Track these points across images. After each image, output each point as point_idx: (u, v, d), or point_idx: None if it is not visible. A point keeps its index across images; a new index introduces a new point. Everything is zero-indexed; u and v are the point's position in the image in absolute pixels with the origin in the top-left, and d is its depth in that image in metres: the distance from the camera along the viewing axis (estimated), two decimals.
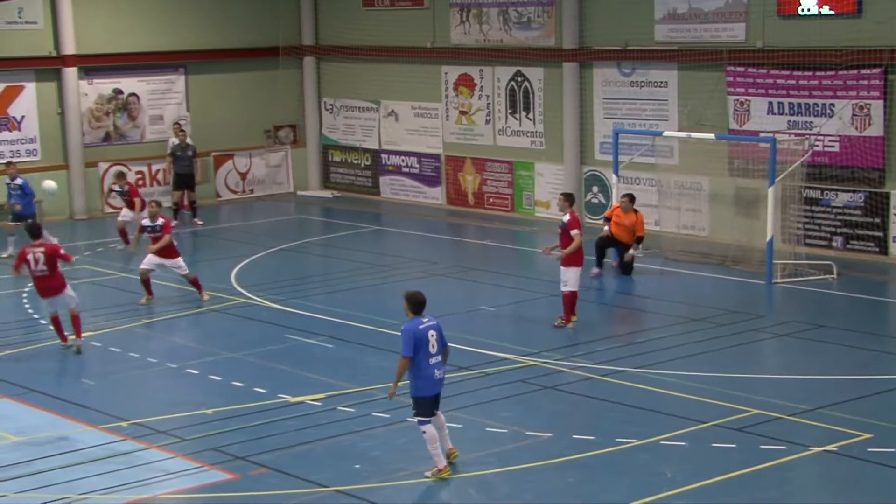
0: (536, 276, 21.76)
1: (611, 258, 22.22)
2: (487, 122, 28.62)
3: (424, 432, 12.45)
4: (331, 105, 31.92)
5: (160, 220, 20.45)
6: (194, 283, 20.26)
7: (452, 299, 20.27)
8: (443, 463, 12.47)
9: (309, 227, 28.53)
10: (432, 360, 12.35)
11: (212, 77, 30.52)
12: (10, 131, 27.82)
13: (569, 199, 18.53)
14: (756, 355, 17.20)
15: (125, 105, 29.51)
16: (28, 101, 28.01)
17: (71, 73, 28.25)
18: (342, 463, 12.89)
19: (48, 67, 28.10)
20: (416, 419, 12.54)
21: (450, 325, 18.13)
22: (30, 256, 16.95)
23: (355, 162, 31.51)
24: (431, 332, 12.39)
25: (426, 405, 12.43)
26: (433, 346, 12.36)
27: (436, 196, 29.73)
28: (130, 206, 25.05)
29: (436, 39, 29.15)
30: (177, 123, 29.21)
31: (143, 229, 20.81)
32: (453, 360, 16.35)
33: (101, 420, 14.23)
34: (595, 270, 21.58)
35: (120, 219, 25.17)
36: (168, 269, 20.25)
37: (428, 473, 12.47)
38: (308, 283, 21.67)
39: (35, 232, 17.37)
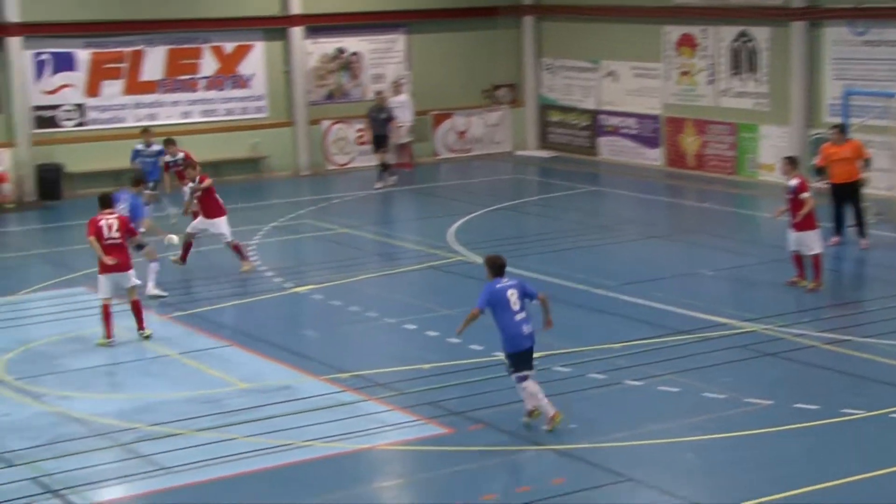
0: (758, 239, 21.24)
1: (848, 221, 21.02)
2: (710, 82, 27.99)
3: (524, 388, 12.62)
4: (549, 65, 31.81)
5: (180, 154, 21.39)
6: (236, 249, 19.31)
7: (670, 262, 20.00)
8: (552, 411, 12.58)
9: (526, 186, 28.58)
10: (517, 317, 12.53)
11: (432, 36, 30.79)
12: (240, 89, 28.75)
13: (792, 162, 18.01)
14: None
15: (348, 64, 30.09)
16: (256, 59, 28.86)
17: (297, 32, 28.98)
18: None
19: (276, 27, 28.88)
20: (513, 377, 12.68)
21: (667, 287, 18.08)
22: (102, 223, 15.75)
23: (573, 122, 31.34)
24: (511, 291, 12.60)
25: (517, 360, 12.63)
26: (515, 304, 12.57)
27: (655, 157, 29.31)
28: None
29: None
30: (395, 82, 29.62)
31: (168, 166, 21.74)
32: (670, 322, 16.27)
33: (323, 371, 14.63)
34: (834, 239, 20.72)
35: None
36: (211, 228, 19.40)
37: (525, 419, 12.71)
38: (524, 243, 21.71)
39: (107, 202, 16.19)
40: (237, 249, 19.38)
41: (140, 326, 15.96)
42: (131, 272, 15.90)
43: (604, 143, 30.50)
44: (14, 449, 12.22)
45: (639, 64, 29.45)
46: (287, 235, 22.59)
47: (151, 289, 17.74)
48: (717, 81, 27.86)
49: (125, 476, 11.61)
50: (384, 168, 27.38)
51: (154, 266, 17.84)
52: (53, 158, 26.24)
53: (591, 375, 14.32)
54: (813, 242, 17.75)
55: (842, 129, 21.23)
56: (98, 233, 15.65)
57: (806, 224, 17.64)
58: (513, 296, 12.61)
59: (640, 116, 29.56)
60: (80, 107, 26.94)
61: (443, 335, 15.99)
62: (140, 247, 17.43)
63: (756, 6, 26.69)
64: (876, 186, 23.27)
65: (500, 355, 14.58)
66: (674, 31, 28.56)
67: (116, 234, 15.71)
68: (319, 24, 29.30)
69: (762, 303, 17.26)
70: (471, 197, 26.19)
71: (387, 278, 19.40)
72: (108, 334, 15.69)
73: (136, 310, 15.95)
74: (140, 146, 22.84)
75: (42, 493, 11.18)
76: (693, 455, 12.05)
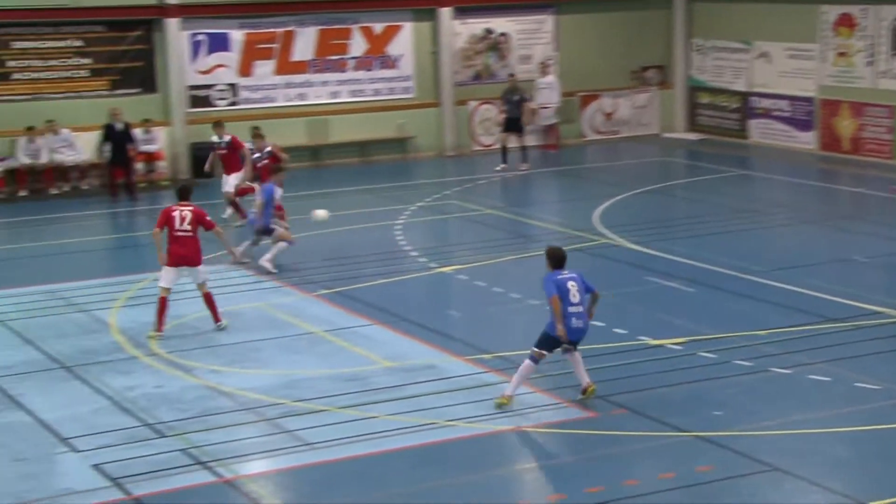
0: None
1: None
2: (868, 64, 27.16)
3: (524, 364, 12.77)
4: (700, 46, 31.27)
5: (227, 137, 21.33)
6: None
7: (821, 248, 19.53)
8: (509, 393, 12.78)
9: (673, 169, 28.19)
10: (571, 309, 12.66)
11: (581, 17, 30.56)
12: (388, 69, 28.97)
13: None
14: None
15: (496, 44, 30.06)
16: (405, 40, 29.03)
17: (446, 12, 29.05)
18: (702, 409, 12.72)
19: (425, 8, 28.98)
20: (533, 349, 12.78)
21: (818, 273, 17.64)
22: (175, 213, 15.50)
23: (723, 104, 30.77)
24: (571, 283, 12.73)
25: (550, 344, 12.75)
26: (574, 296, 12.68)
27: (807, 141, 28.58)
28: (231, 165, 21.48)
29: None
30: (542, 63, 29.51)
31: (212, 147, 21.72)
32: (821, 310, 15.88)
33: (466, 351, 14.68)
34: None
35: (226, 189, 21.73)
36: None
37: (498, 399, 12.81)
38: (671, 226, 21.43)
39: (185, 193, 15.94)
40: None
41: (216, 319, 15.66)
42: (201, 267, 15.67)
43: (754, 125, 29.88)
44: (166, 420, 12.57)
45: (793, 45, 28.75)
46: (432, 216, 22.71)
47: (266, 261, 18.23)
48: (875, 62, 27.02)
49: (270, 451, 11.83)
50: (522, 150, 27.16)
51: (283, 245, 18.22)
52: (206, 137, 26.82)
53: (736, 362, 14.06)
54: None
55: None
56: (170, 223, 15.47)
57: None
58: (573, 287, 12.76)
59: (794, 99, 28.86)
60: (232, 86, 27.50)
61: None
62: (267, 231, 18.17)
63: None
64: None
65: (652, 341, 14.46)
66: (831, 11, 27.80)
67: (188, 227, 15.42)
68: (468, 5, 29.32)
69: None
70: (617, 179, 25.94)
71: (531, 260, 19.33)
72: (160, 328, 15.36)
73: (209, 302, 15.66)
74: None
75: (192, 465, 11.46)
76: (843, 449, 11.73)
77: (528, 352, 12.94)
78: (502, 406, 12.79)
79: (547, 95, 29.40)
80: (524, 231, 21.03)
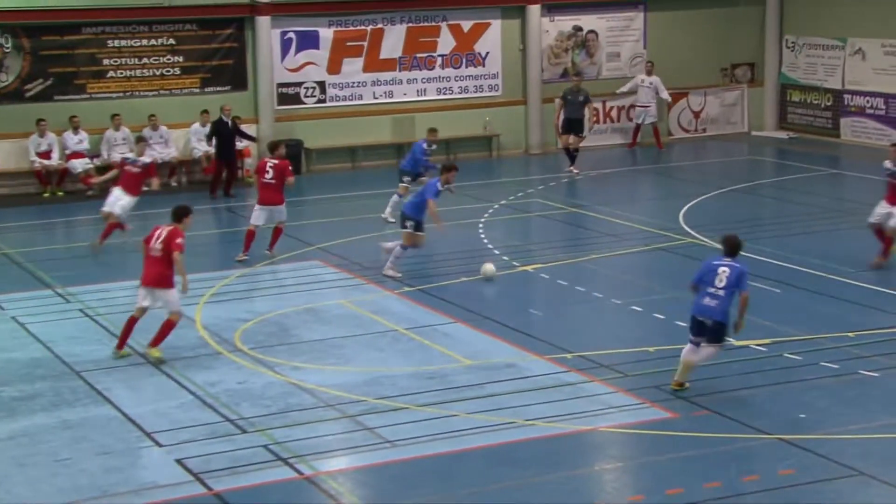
0: None
1: None
2: None
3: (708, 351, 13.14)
4: (792, 43, 30.80)
5: (146, 159, 20.08)
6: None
7: None
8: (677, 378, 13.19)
9: (762, 168, 27.83)
10: (710, 290, 13.00)
11: (670, 14, 30.27)
12: (475, 67, 28.98)
13: None
14: None
15: (584, 42, 29.92)
16: (493, 37, 29.01)
17: (535, 10, 28.97)
18: (787, 411, 12.56)
19: (514, 5, 28.93)
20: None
21: None
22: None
23: (815, 102, 30.28)
24: (724, 269, 13.05)
25: (691, 324, 13.15)
26: (720, 281, 12.97)
27: None
28: (134, 186, 19.93)
29: None
30: (647, 62, 29.28)
31: (125, 162, 20.16)
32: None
33: (547, 350, 14.64)
34: None
35: (114, 209, 19.83)
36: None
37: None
38: (758, 226, 21.16)
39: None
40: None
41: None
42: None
43: (847, 123, 29.35)
44: (248, 416, 12.71)
45: (890, 41, 28.19)
46: (516, 214, 22.68)
47: (388, 269, 18.09)
48: None
49: (350, 448, 11.91)
50: (573, 152, 26.61)
51: (398, 250, 18.15)
52: (294, 134, 27.11)
53: (823, 364, 13.86)
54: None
55: None
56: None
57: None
58: (723, 272, 13.01)
59: (889, 96, 28.30)
60: (321, 84, 27.71)
61: (669, 318, 15.75)
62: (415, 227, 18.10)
63: None
64: None
65: (737, 342, 14.31)
66: None
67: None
68: (557, 3, 29.21)
69: None
70: (704, 178, 25.67)
71: (614, 259, 19.24)
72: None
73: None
74: (424, 145, 22.21)
75: (273, 461, 11.59)
76: None
77: (635, 350, 13.01)
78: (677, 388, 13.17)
79: (647, 95, 29.20)
80: (608, 230, 20.92)
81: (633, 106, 29.65)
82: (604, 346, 14.74)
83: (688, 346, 13.16)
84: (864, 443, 11.78)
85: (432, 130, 22.76)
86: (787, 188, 24.59)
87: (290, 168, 19.20)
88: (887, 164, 18.04)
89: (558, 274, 18.17)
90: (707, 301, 12.99)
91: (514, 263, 18.70)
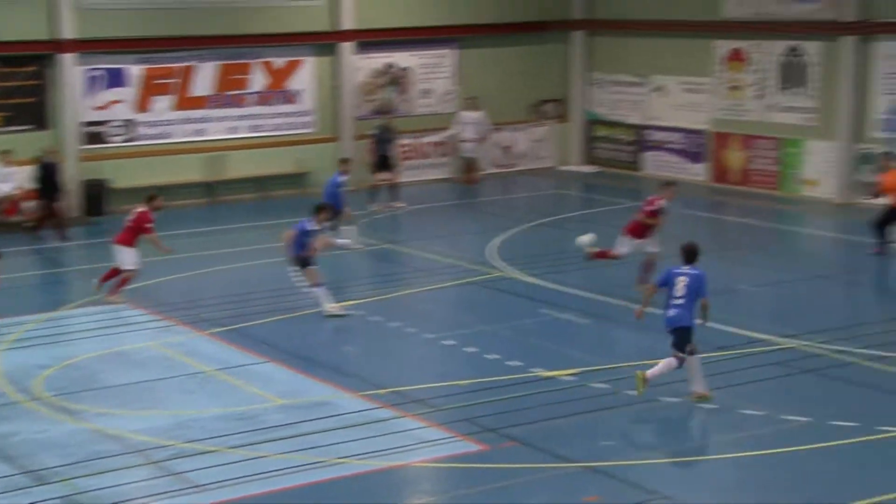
0: (800, 255, 21.07)
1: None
2: (758, 97, 27.82)
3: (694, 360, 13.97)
4: (598, 80, 31.75)
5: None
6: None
7: (711, 277, 19.67)
8: (701, 390, 13.91)
9: (569, 201, 28.52)
10: (672, 301, 13.90)
11: (481, 51, 30.83)
12: (288, 104, 28.93)
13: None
14: None
15: (397, 79, 30.20)
16: (306, 74, 29.04)
17: (347, 47, 29.11)
18: (593, 439, 12.88)
19: (326, 42, 29.02)
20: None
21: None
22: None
23: (619, 137, 31.26)
24: (682, 278, 13.94)
25: (675, 336, 13.91)
26: (679, 291, 13.88)
27: (698, 172, 29.16)
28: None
29: (707, 13, 28.52)
30: (469, 98, 29.58)
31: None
32: (709, 338, 16.13)
33: (360, 387, 14.67)
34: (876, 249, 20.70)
35: None
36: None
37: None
38: (565, 259, 21.65)
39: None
40: None
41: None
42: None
43: (648, 157, 30.38)
44: (49, 466, 12.32)
45: (688, 79, 29.34)
46: (329, 251, 22.60)
47: (329, 309, 17.90)
48: (764, 96, 27.68)
49: (157, 494, 11.67)
50: (393, 188, 27.02)
51: (318, 292, 17.97)
52: (101, 174, 26.52)
53: (627, 392, 14.25)
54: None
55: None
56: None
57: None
58: (681, 282, 13.96)
59: (687, 131, 29.44)
60: (129, 122, 27.22)
61: (481, 351, 15.99)
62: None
63: (807, 21, 26.51)
64: None
65: (545, 373, 14.61)
66: (723, 46, 28.43)
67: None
68: (370, 40, 29.42)
69: (802, 319, 17.12)
70: (513, 212, 26.18)
71: (427, 294, 19.44)
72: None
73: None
74: (339, 178, 22.94)
75: None
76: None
77: (447, 384, 13.12)
78: (703, 399, 13.80)
79: (471, 130, 29.59)
80: (420, 265, 21.12)
81: (461, 141, 29.90)
82: (416, 381, 14.86)
83: (688, 360, 13.95)
84: (667, 467, 12.17)
85: (344, 161, 23.22)
86: (594, 221, 25.22)
87: (147, 224, 18.83)
88: (662, 203, 18.61)
89: (372, 310, 18.24)
90: (671, 312, 13.92)
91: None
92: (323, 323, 17.73)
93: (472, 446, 12.74)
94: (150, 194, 19.40)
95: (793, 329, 16.53)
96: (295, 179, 28.76)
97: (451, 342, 16.56)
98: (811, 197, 26.34)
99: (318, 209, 18.42)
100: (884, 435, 12.70)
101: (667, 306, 14.03)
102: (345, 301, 18.51)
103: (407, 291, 19.52)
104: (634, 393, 14.02)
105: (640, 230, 18.65)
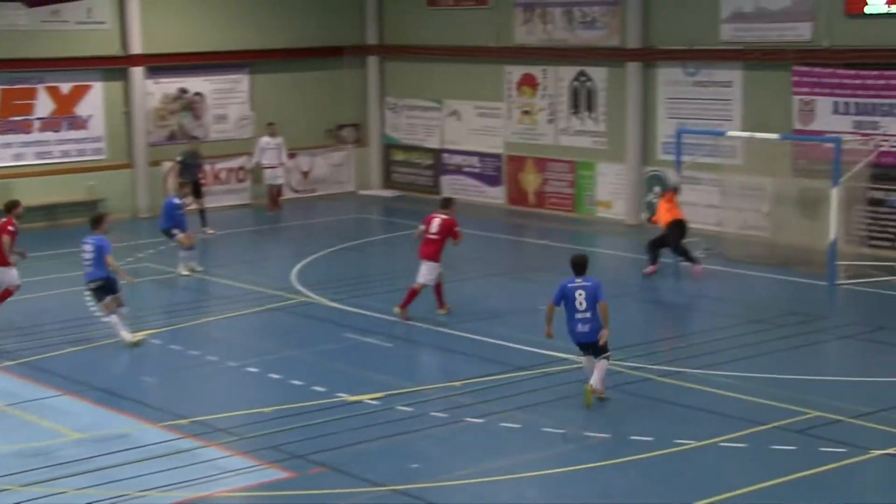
0: (596, 275, 21.53)
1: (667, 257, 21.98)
2: (550, 121, 28.53)
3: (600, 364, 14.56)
4: (393, 104, 32.00)
5: None
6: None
7: (512, 299, 20.25)
8: (600, 388, 14.51)
9: (369, 226, 28.63)
10: (577, 315, 14.36)
11: (276, 76, 30.70)
12: (77, 130, 28.17)
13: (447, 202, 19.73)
14: (817, 357, 16.99)
15: (190, 104, 29.77)
16: (95, 100, 28.34)
17: (137, 72, 28.55)
18: (399, 462, 12.91)
19: (115, 67, 28.40)
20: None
21: (508, 324, 18.28)
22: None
23: (417, 161, 31.56)
24: (580, 292, 14.36)
25: (579, 347, 14.63)
26: (581, 304, 14.32)
27: (496, 195, 29.70)
28: None
29: (499, 39, 29.13)
30: (269, 124, 29.22)
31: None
32: (512, 359, 16.46)
33: (161, 417, 14.35)
34: (649, 269, 21.51)
35: None
36: None
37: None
38: (367, 282, 21.74)
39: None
40: None
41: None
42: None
43: (446, 181, 30.77)
44: None
45: (482, 103, 29.85)
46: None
47: (124, 335, 17.48)
48: (556, 120, 28.41)
49: None
50: (202, 213, 26.50)
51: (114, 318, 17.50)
52: None
53: (432, 414, 14.36)
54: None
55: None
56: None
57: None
58: (580, 296, 14.31)
59: (483, 155, 29.94)
60: None
61: (285, 377, 15.86)
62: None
63: (593, 47, 27.34)
64: (706, 222, 24.16)
65: (350, 397, 14.62)
66: (515, 71, 29.05)
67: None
68: (161, 65, 28.92)
69: None
70: (314, 238, 26.09)
71: (228, 321, 19.18)
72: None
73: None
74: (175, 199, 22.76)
75: None
76: (533, 491, 12.14)
77: (251, 412, 12.86)
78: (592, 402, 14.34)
79: (272, 156, 29.26)
80: (221, 292, 20.81)
81: (263, 167, 29.49)
82: (219, 410, 14.62)
83: (584, 360, 14.69)
84: (473, 487, 12.28)
85: (181, 185, 23.24)
86: (394, 245, 25.41)
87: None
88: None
89: (172, 339, 17.88)
90: (580, 328, 14.36)
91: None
92: (120, 353, 17.28)
93: (279, 474, 12.60)
94: (11, 201, 19.37)
95: None
96: (88, 207, 27.86)
97: (255, 369, 16.38)
98: (605, 218, 27.14)
99: (96, 219, 17.97)
100: (679, 448, 13.14)
101: (571, 321, 14.38)
102: (143, 330, 18.08)
103: (208, 319, 19.22)
104: (443, 415, 14.13)
105: (435, 251, 18.82)
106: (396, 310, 18.69)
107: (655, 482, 12.33)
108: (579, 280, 14.50)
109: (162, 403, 14.92)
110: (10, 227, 18.74)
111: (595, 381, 14.48)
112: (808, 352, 16.96)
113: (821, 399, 14.59)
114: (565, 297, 14.45)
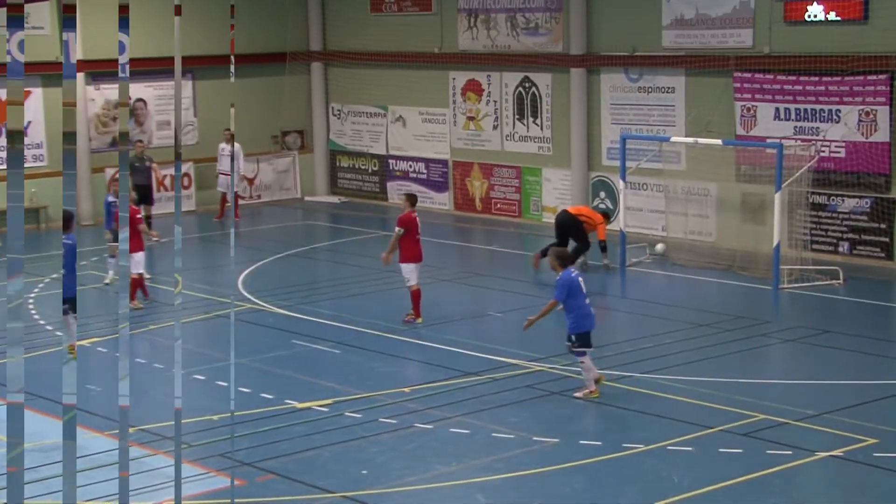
0: (543, 280, 21.68)
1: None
2: (495, 127, 28.62)
3: (582, 362, 14.86)
4: (338, 111, 31.96)
5: None
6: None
7: (460, 305, 20.28)
8: (593, 386, 14.83)
9: (316, 232, 28.55)
10: (587, 300, 14.83)
11: (219, 83, 30.53)
12: None
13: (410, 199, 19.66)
14: (762, 360, 17.18)
15: (132, 111, 29.52)
16: (35, 106, 28.02)
17: (78, 78, 28.25)
18: (349, 469, 12.89)
19: (55, 73, 28.11)
20: (575, 353, 14.86)
21: (458, 330, 18.32)
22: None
23: (363, 167, 31.53)
24: (580, 279, 14.94)
25: (586, 338, 14.78)
26: (584, 289, 14.81)
27: (443, 201, 29.74)
28: None
29: (443, 45, 29.19)
30: (227, 131, 28.76)
31: None
32: (461, 364, 16.49)
33: (107, 426, 14.21)
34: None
35: None
36: None
37: (578, 394, 14.89)
38: (315, 289, 21.68)
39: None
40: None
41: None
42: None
43: (393, 187, 30.77)
44: None
45: (426, 109, 29.89)
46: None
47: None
48: (501, 126, 28.50)
49: None
50: (147, 220, 26.17)
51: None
52: None
53: (381, 420, 14.36)
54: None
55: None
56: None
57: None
58: (582, 282, 14.83)
59: (429, 161, 29.96)
60: None
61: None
62: None
63: (537, 53, 27.47)
64: (652, 227, 24.35)
65: (299, 404, 14.52)
66: (460, 77, 29.11)
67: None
68: (101, 70, 28.65)
69: (548, 343, 17.61)
70: (260, 244, 25.98)
71: (170, 329, 19.01)
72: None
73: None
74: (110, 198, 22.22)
75: None
76: (482, 497, 12.18)
77: (198, 419, 12.62)
78: (592, 398, 14.77)
79: (226, 163, 29.01)
80: (167, 299, 20.66)
81: (218, 174, 29.26)
82: (167, 418, 14.47)
83: (587, 357, 14.84)
84: (422, 493, 12.29)
85: (114, 180, 23.21)
86: (341, 251, 25.37)
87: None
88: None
89: (116, 347, 17.68)
90: (592, 312, 14.90)
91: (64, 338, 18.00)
92: (63, 361, 17.03)
93: (227, 481, 12.51)
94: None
95: (540, 353, 17.01)
96: (30, 215, 27.66)
97: (202, 376, 16.28)
98: (551, 223, 27.18)
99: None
100: (628, 451, 13.23)
101: (582, 309, 14.69)
102: (89, 339, 17.90)
103: (153, 326, 19.07)
104: (392, 421, 14.14)
105: (417, 253, 18.76)
106: (419, 321, 18.70)
107: (604, 486, 12.41)
108: (574, 271, 15.07)
109: (107, 412, 14.76)
110: None
111: (591, 376, 14.94)
112: (754, 355, 17.15)
113: (766, 402, 14.76)
114: (572, 289, 14.67)
